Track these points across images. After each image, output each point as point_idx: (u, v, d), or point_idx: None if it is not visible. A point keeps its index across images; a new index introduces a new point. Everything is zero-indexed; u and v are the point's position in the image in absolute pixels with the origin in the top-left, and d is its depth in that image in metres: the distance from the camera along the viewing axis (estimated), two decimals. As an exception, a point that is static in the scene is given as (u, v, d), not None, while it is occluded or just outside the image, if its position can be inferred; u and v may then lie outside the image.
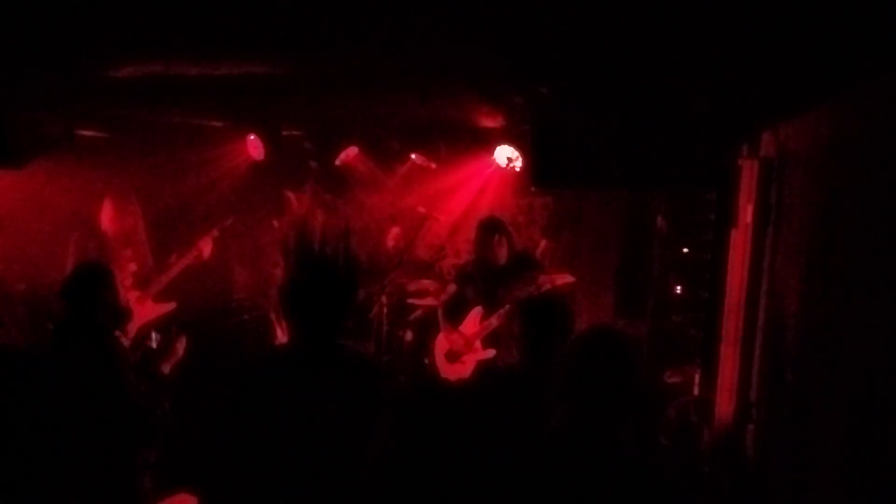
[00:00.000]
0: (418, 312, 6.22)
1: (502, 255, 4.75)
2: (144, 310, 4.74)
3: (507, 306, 4.59)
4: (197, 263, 5.10)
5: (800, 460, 2.91)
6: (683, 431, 3.87)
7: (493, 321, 4.67)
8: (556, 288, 4.52)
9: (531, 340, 4.31)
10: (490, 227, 4.81)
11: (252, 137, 6.23)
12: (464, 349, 4.80)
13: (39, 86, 4.17)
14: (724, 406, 3.71)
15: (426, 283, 6.17)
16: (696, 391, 4.08)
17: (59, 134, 5.07)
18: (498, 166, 6.07)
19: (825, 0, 2.08)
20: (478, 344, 4.76)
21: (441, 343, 4.98)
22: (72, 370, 3.12)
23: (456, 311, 4.90)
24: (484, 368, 4.74)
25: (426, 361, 5.68)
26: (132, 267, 4.89)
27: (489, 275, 4.80)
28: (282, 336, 6.38)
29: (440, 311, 5.06)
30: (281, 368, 2.81)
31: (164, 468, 3.90)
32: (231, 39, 3.19)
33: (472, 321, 4.81)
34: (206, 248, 5.12)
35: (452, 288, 5.06)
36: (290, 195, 7.11)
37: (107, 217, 5.03)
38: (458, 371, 4.83)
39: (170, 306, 4.94)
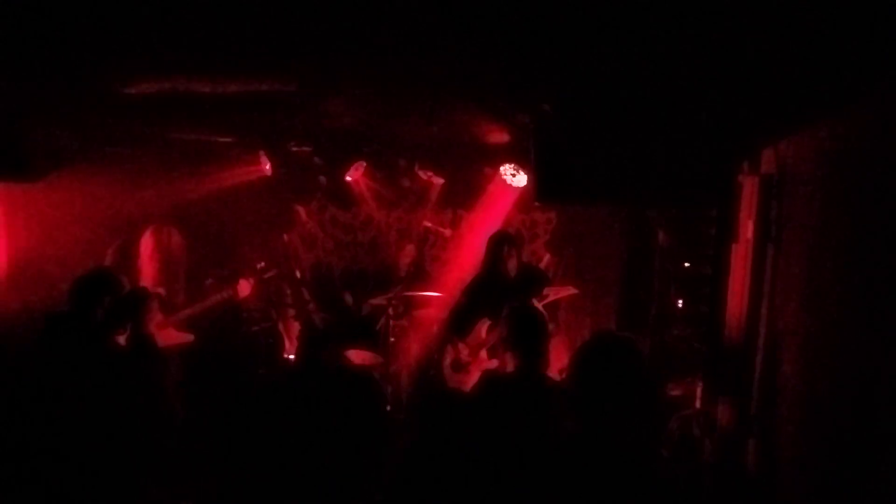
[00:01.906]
0: (423, 324, 6.28)
1: (512, 267, 4.81)
2: (164, 335, 4.71)
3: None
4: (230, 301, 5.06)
5: (802, 473, 2.93)
6: (685, 444, 3.89)
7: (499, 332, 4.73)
8: (557, 300, 4.58)
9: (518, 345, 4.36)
10: (501, 241, 4.88)
11: (262, 153, 6.32)
12: (469, 360, 4.86)
13: (55, 102, 4.26)
14: (726, 419, 3.73)
15: (433, 295, 6.22)
16: (697, 404, 4.11)
17: (74, 149, 5.15)
18: (503, 182, 6.15)
19: (824, 17, 2.12)
20: (483, 354, 4.81)
21: (447, 354, 5.04)
22: (56, 365, 3.20)
23: (463, 323, 4.96)
24: (487, 378, 4.78)
25: (431, 372, 5.73)
26: (160, 291, 4.88)
27: (497, 288, 4.85)
28: (290, 348, 6.45)
29: (447, 323, 5.12)
30: (285, 388, 2.89)
31: (172, 479, 3.94)
32: (241, 56, 3.26)
33: (479, 333, 4.87)
34: (244, 291, 5.04)
35: (461, 300, 5.12)
36: (300, 209, 7.20)
37: (146, 248, 5.04)
38: (463, 381, 4.87)
39: (188, 338, 4.86)
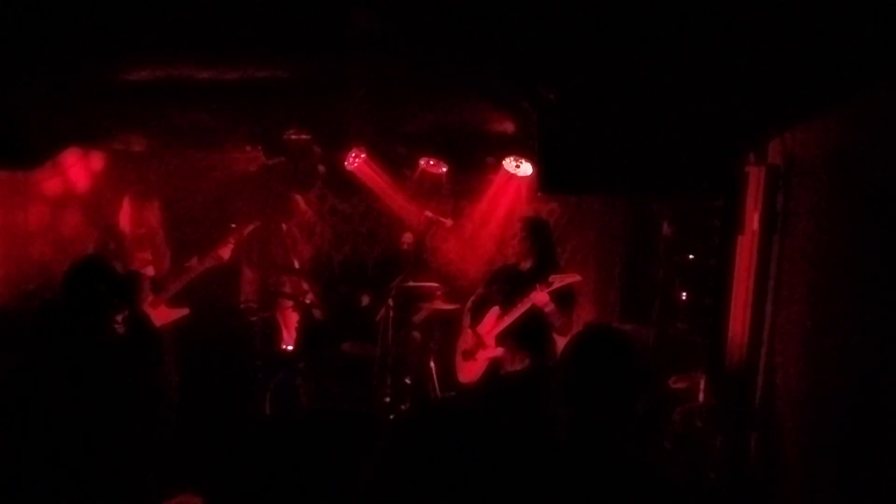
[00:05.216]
0: (423, 314, 6.25)
1: (531, 254, 4.76)
2: (159, 314, 4.76)
3: (519, 305, 4.62)
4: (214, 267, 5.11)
5: (805, 467, 2.92)
6: (688, 437, 3.88)
7: (506, 319, 4.71)
8: (563, 287, 4.54)
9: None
10: (529, 227, 4.85)
11: (260, 141, 6.28)
12: (477, 347, 4.85)
13: (52, 87, 4.22)
14: (729, 413, 3.71)
15: (433, 286, 6.20)
16: (701, 397, 4.09)
17: (70, 136, 5.12)
18: (506, 172, 6.11)
19: (831, 8, 2.09)
20: (491, 341, 4.80)
21: (461, 342, 5.04)
22: (53, 355, 3.18)
23: (479, 311, 4.96)
24: (493, 369, 4.78)
25: (430, 364, 5.72)
26: (150, 271, 4.92)
27: (514, 275, 4.83)
28: (288, 339, 6.42)
29: (466, 310, 5.11)
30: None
31: (170, 467, 3.93)
32: (241, 42, 3.23)
33: (490, 320, 4.86)
34: (225, 253, 5.11)
35: (481, 289, 5.10)
36: (299, 198, 7.16)
37: (125, 217, 5.10)
38: (471, 369, 4.88)
39: (183, 312, 4.95)
